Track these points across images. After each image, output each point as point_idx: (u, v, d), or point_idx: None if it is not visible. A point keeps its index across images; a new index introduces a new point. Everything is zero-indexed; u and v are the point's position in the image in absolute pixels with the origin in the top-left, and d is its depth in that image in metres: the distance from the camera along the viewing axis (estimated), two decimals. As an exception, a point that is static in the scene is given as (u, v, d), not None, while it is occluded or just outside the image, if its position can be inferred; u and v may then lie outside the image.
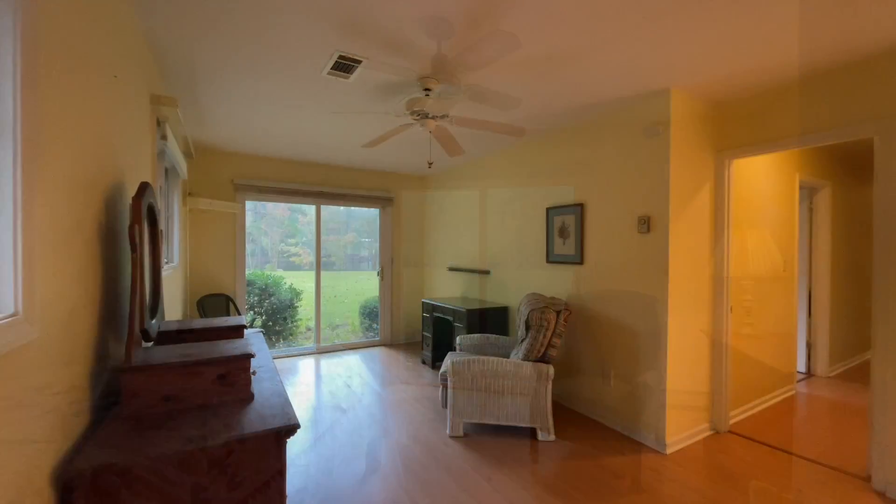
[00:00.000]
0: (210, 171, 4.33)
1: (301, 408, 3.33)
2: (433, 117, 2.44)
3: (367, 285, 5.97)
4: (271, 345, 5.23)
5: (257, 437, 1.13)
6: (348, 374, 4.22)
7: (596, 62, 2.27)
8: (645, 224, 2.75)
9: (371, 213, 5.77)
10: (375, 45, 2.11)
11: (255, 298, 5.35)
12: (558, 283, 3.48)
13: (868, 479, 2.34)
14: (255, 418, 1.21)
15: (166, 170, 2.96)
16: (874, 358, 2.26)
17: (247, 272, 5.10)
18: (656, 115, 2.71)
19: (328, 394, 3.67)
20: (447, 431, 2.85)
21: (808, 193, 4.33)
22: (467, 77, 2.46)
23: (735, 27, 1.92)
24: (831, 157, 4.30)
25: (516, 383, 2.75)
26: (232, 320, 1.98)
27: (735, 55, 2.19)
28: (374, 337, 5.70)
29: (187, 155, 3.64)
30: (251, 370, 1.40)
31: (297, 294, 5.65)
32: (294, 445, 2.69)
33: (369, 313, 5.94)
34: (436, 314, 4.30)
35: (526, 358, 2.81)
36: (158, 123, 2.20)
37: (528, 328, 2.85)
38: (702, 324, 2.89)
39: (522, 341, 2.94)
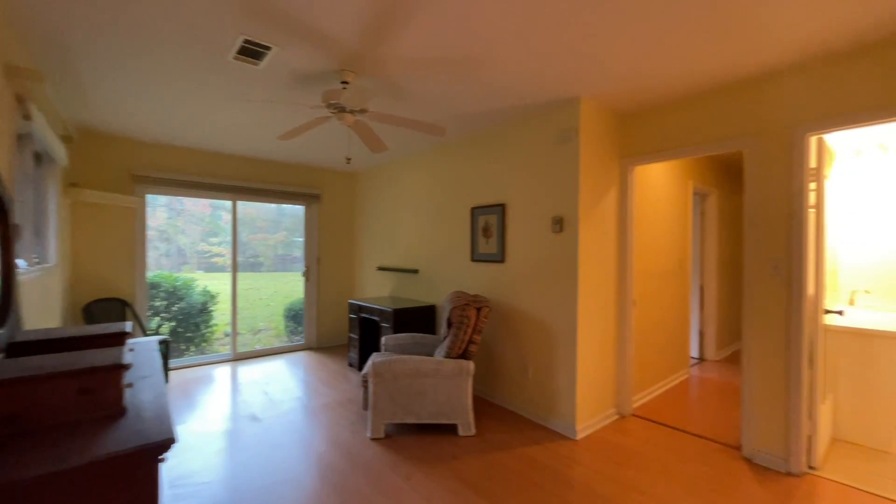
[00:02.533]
0: (101, 160, 3.83)
1: (208, 420, 3.06)
2: (351, 111, 2.38)
3: (296, 287, 5.68)
4: (181, 353, 4.76)
5: (123, 456, 1.01)
6: (267, 381, 3.97)
7: (511, 68, 2.36)
8: (558, 224, 2.91)
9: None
10: (285, 33, 1.99)
11: (162, 303, 4.83)
12: (483, 280, 3.56)
13: (739, 448, 2.69)
14: (125, 435, 1.08)
15: (37, 155, 2.56)
16: (744, 344, 2.60)
17: (155, 274, 4.61)
18: (568, 121, 2.88)
19: (242, 403, 3.42)
20: (368, 434, 2.79)
21: (700, 199, 4.89)
22: (385, 72, 2.42)
23: (637, 45, 2.10)
24: (718, 167, 4.89)
25: (438, 381, 2.77)
26: (113, 326, 1.75)
27: (636, 70, 2.40)
28: (299, 341, 5.43)
29: (66, 139, 3.17)
30: (125, 382, 1.25)
31: (212, 297, 5.21)
32: (194, 461, 2.46)
33: (294, 316, 5.65)
34: (362, 315, 4.20)
35: (448, 355, 2.84)
36: (19, 101, 1.89)
37: (449, 325, 2.88)
38: (608, 317, 3.13)
39: (445, 339, 2.97)
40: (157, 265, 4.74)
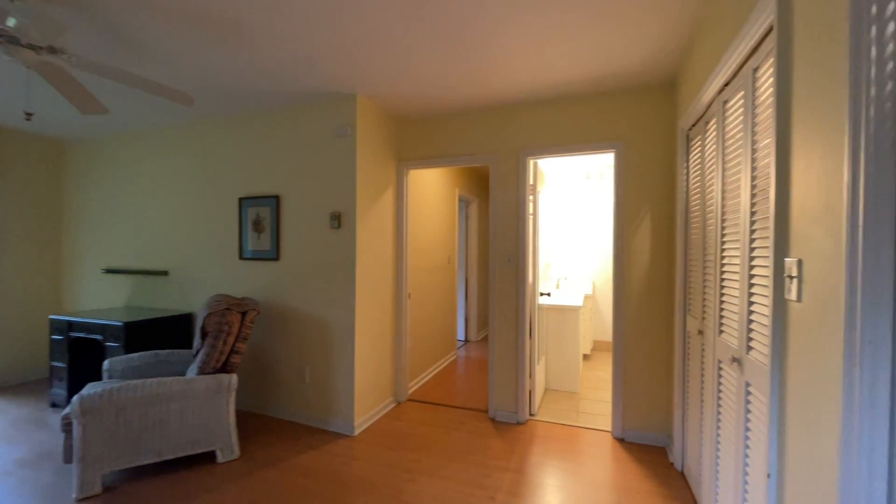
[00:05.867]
0: None
1: None
2: (31, 46, 1.67)
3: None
4: None
5: None
6: None
7: (283, 48, 2.14)
8: (336, 220, 2.85)
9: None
10: None
11: None
12: (253, 281, 3.16)
13: (487, 411, 3.25)
14: None
15: None
16: (490, 323, 3.15)
17: None
18: (345, 116, 2.85)
19: None
20: (74, 494, 2.05)
21: (465, 205, 5.74)
22: (101, 9, 1.82)
23: (403, 60, 2.22)
24: (478, 179, 5.85)
25: (187, 404, 2.28)
26: None
27: (403, 81, 2.55)
28: (-48, 383, 3.59)
29: None
30: None
31: None
32: None
33: (-57, 347, 3.70)
34: (74, 334, 3.09)
35: (202, 370, 2.37)
36: None
37: (204, 336, 2.42)
38: (386, 310, 3.27)
39: (198, 352, 2.47)
40: None
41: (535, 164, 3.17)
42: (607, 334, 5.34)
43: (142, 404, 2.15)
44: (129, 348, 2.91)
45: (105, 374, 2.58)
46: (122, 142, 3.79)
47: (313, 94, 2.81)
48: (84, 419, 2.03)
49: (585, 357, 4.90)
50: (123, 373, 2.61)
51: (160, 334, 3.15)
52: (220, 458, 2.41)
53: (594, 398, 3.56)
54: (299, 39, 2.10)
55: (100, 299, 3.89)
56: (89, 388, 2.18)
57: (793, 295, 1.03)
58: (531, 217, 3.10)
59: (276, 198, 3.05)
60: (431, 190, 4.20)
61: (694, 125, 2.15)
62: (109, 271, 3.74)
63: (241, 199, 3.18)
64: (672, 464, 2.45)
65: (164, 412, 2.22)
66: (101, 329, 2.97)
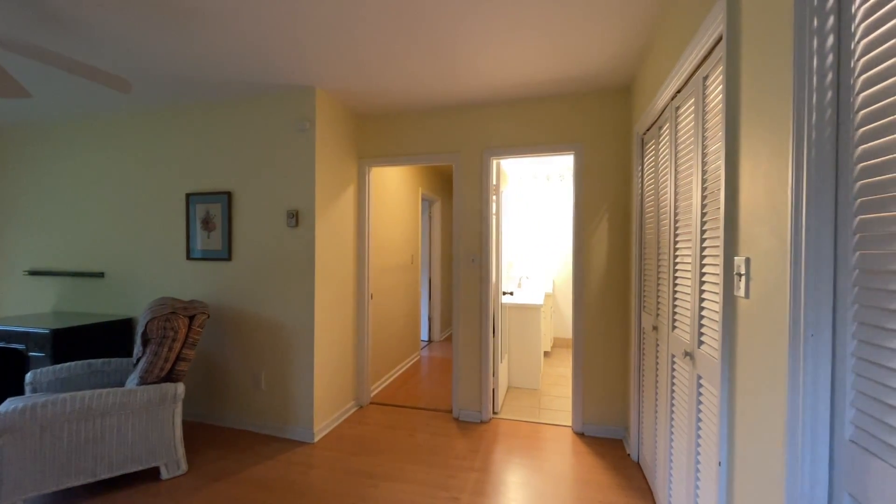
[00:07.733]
0: None
1: None
2: (-67, 17, 1.46)
3: None
4: None
5: None
6: None
7: (233, 35, 2.01)
8: (294, 218, 2.73)
9: None
10: None
11: None
12: (203, 283, 2.96)
13: (451, 411, 3.23)
14: None
15: None
16: (454, 323, 3.14)
17: None
18: (304, 110, 2.73)
19: None
20: (-12, 526, 1.82)
21: (429, 204, 5.70)
22: (19, -22, 1.63)
23: (367, 54, 2.15)
24: (442, 178, 5.83)
25: (126, 417, 2.09)
26: None
27: (367, 75, 2.48)
28: None
29: None
30: None
31: None
32: None
33: None
34: (-9, 344, 2.76)
35: (144, 381, 2.19)
36: None
37: (146, 342, 2.23)
38: (347, 312, 3.17)
39: (139, 361, 2.28)
40: None
41: (498, 165, 3.20)
42: (567, 331, 5.50)
43: (72, 420, 1.95)
44: (57, 358, 2.63)
45: (28, 388, 2.32)
46: (50, 130, 3.43)
47: (269, 86, 2.68)
48: (1, 440, 1.80)
49: (546, 354, 5.01)
50: (50, 386, 2.36)
51: (94, 342, 2.88)
52: (164, 475, 2.23)
53: (555, 394, 3.65)
54: (251, 27, 1.98)
55: (22, 304, 3.50)
56: (7, 404, 1.95)
57: (741, 291, 1.08)
58: (494, 217, 3.12)
59: (228, 194, 2.88)
60: (394, 188, 4.13)
61: (648, 129, 2.24)
62: (34, 273, 3.37)
63: (188, 195, 2.97)
64: (629, 455, 2.55)
65: (98, 428, 2.02)
66: (24, 337, 2.66)
